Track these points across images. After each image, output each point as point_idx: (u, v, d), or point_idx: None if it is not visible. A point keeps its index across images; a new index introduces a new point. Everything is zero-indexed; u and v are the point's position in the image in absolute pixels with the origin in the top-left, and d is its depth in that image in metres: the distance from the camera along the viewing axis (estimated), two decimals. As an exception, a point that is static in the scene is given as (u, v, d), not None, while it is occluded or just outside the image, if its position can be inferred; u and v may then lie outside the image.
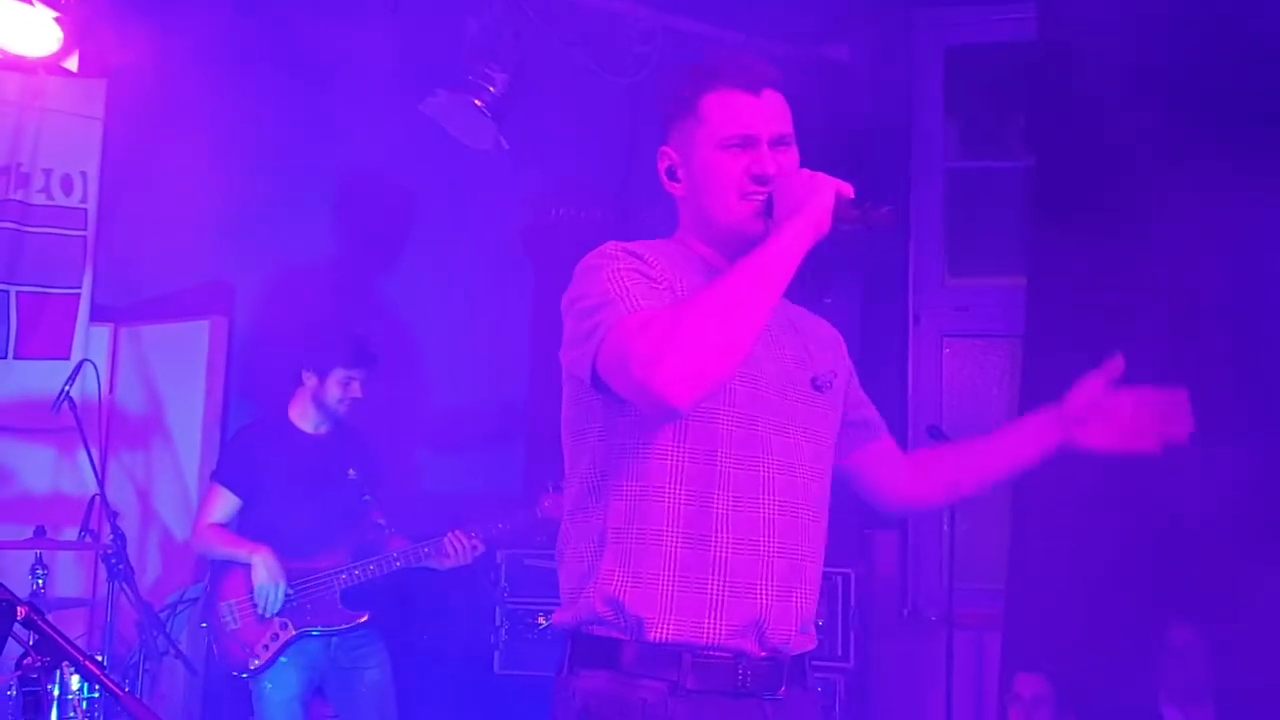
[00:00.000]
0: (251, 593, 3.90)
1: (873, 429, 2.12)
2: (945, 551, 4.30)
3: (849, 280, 4.61)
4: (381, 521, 4.07)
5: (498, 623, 4.36)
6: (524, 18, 4.13)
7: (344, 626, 3.96)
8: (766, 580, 1.81)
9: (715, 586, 1.79)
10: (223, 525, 4.04)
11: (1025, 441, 2.06)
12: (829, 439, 1.98)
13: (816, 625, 1.94)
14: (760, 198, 1.86)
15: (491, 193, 4.78)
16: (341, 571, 3.95)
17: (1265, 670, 3.95)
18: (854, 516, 4.60)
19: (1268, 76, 4.13)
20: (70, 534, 4.32)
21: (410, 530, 4.12)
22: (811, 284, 4.59)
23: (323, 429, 4.09)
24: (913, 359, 4.82)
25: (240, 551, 3.94)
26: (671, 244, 1.97)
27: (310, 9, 4.24)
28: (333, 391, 4.01)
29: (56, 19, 3.61)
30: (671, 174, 1.96)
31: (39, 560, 3.96)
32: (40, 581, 3.91)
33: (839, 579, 4.10)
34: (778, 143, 1.90)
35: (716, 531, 1.80)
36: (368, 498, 4.05)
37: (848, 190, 1.81)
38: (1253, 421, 4.15)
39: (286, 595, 3.89)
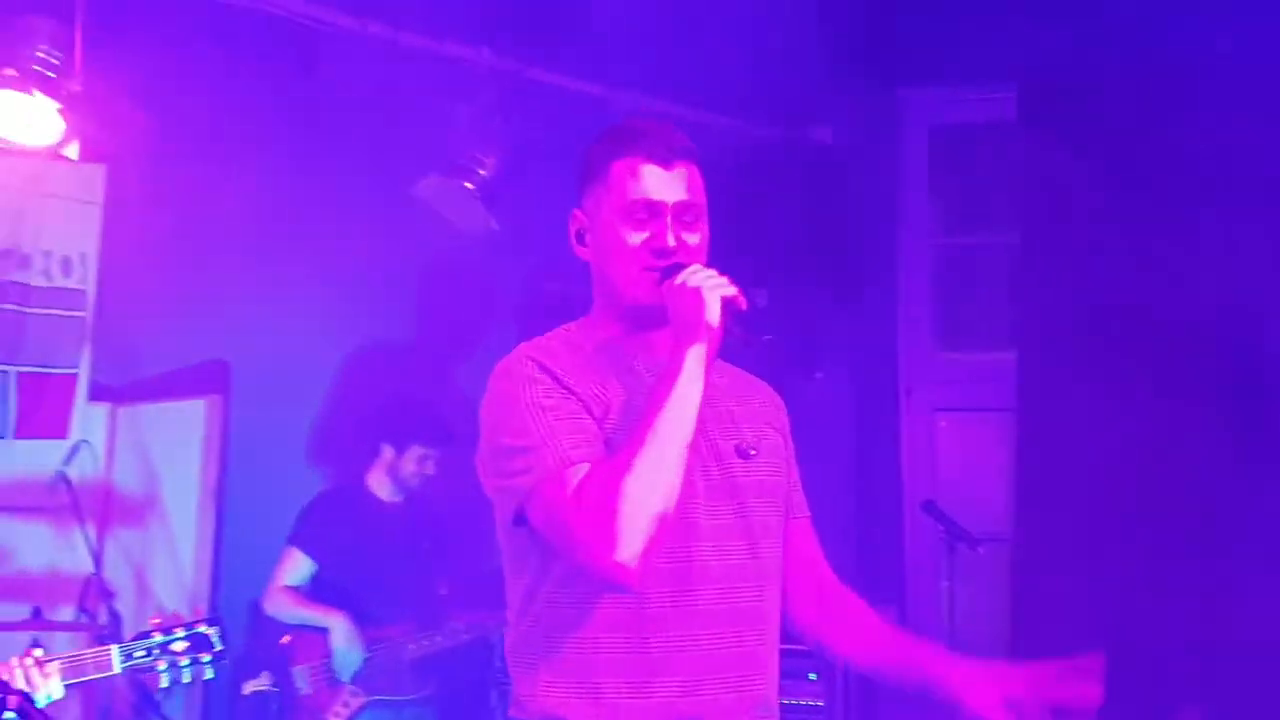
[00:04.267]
0: (324, 658, 3.91)
1: (786, 509, 2.00)
2: (945, 624, 4.27)
3: (838, 355, 4.64)
4: (444, 592, 4.09)
5: (493, 704, 4.33)
6: (512, 103, 4.22)
7: (410, 696, 3.95)
8: (715, 675, 1.76)
9: (662, 689, 1.74)
10: (295, 589, 4.05)
11: (916, 674, 1.95)
12: (766, 506, 1.89)
13: (784, 704, 1.89)
14: (658, 270, 1.83)
15: (484, 271, 4.84)
16: (409, 641, 3.94)
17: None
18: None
19: (1248, 141, 4.19)
20: (67, 614, 4.31)
21: (473, 604, 4.10)
22: (800, 359, 4.66)
23: (398, 498, 4.13)
24: (906, 433, 4.82)
25: (315, 615, 3.95)
26: (584, 330, 1.93)
27: (303, 97, 4.33)
28: (408, 466, 4.09)
29: (59, 110, 3.67)
30: (580, 238, 1.93)
31: (35, 642, 3.95)
32: (35, 663, 3.89)
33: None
34: (685, 214, 1.86)
35: (654, 632, 1.75)
36: (433, 572, 4.09)
37: (739, 300, 1.78)
38: (1258, 497, 4.14)
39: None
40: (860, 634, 2.00)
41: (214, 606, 4.84)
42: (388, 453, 4.13)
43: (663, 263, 1.83)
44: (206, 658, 1.97)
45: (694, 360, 1.72)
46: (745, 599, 1.82)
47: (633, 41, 4.14)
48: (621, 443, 1.72)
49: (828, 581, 2.05)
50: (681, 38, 4.10)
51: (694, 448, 1.75)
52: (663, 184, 1.84)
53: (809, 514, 2.07)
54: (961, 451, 4.90)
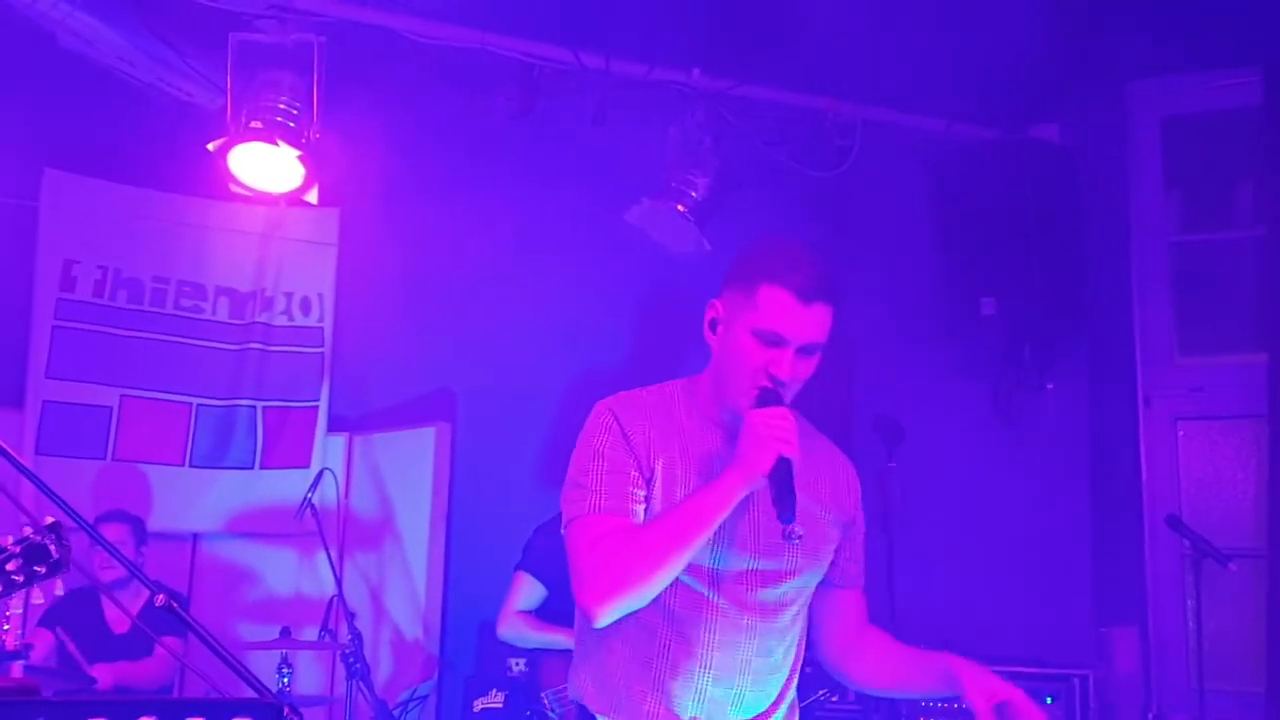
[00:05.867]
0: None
1: (840, 579, 2.26)
2: (1193, 650, 4.01)
3: (1073, 363, 4.43)
4: None
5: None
6: (723, 122, 4.22)
7: None
8: (695, 700, 2.13)
9: (652, 701, 2.13)
10: (530, 613, 4.11)
11: (938, 679, 2.15)
12: (796, 586, 2.16)
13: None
14: (760, 389, 2.07)
15: (696, 291, 4.85)
16: None
17: None
18: (1089, 613, 4.38)
19: None
20: (310, 633, 4.54)
21: None
22: (1031, 370, 4.47)
23: None
24: (1145, 444, 4.56)
25: (560, 638, 3.98)
26: (688, 387, 2.23)
27: (518, 132, 4.46)
28: None
29: (299, 158, 3.89)
30: (713, 326, 2.18)
31: (284, 659, 4.17)
32: (286, 680, 4.11)
33: (1076, 681, 3.88)
34: (805, 351, 2.08)
35: (657, 659, 2.13)
36: None
37: (791, 460, 2.00)
38: None
39: None
40: (880, 662, 2.27)
41: (445, 625, 5.03)
42: None
43: (768, 386, 2.07)
44: (42, 569, 1.95)
45: (734, 490, 2.00)
46: (743, 655, 2.13)
47: (846, 50, 4.08)
48: (653, 518, 2.06)
49: (867, 635, 2.31)
50: (895, 42, 4.02)
51: (745, 531, 2.10)
52: (797, 322, 2.06)
53: (861, 585, 2.31)
54: (1206, 462, 4.60)
